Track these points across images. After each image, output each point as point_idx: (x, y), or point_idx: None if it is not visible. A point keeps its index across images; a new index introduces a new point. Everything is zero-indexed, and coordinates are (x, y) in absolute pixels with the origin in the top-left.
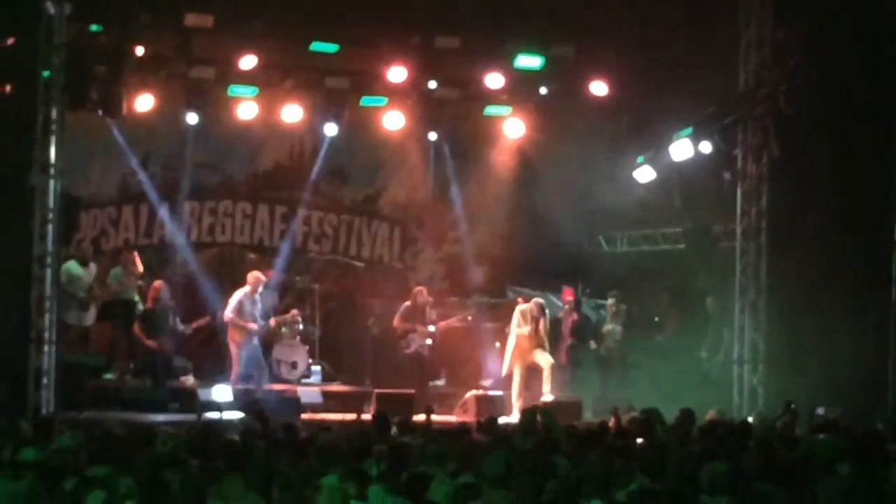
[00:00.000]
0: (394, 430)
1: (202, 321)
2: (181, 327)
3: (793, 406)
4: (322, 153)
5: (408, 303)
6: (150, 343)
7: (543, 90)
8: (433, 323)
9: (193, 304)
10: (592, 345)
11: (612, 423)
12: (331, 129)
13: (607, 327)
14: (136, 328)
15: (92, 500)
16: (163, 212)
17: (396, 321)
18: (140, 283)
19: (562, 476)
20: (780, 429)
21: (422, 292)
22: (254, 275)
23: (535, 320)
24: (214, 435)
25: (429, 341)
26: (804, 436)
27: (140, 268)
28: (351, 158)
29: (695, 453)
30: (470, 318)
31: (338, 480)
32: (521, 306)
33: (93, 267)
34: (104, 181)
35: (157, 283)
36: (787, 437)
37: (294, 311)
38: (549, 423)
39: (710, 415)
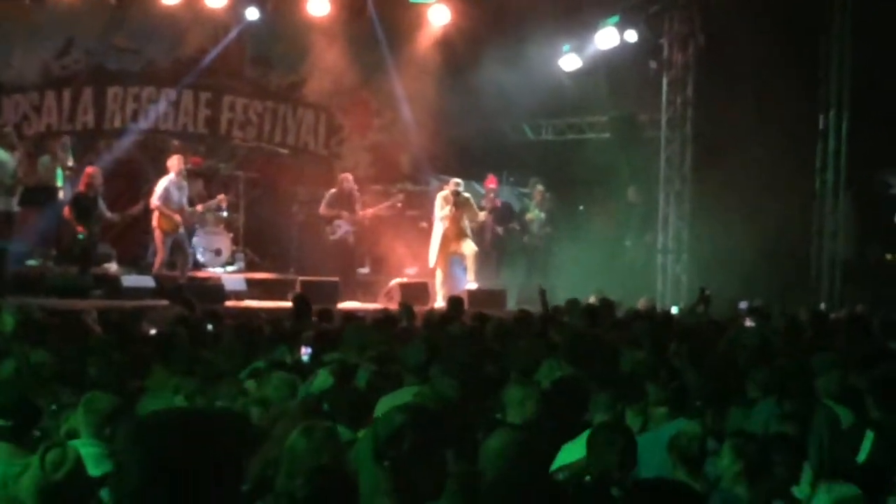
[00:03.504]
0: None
1: (135, 209)
2: (109, 214)
3: (707, 292)
4: (232, 35)
5: (333, 189)
6: (80, 228)
7: None
8: (361, 209)
9: (118, 191)
10: (516, 227)
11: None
12: (256, 16)
13: (530, 214)
14: (67, 212)
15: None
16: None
17: (322, 208)
18: (69, 166)
19: (487, 364)
20: (698, 316)
21: (347, 178)
22: (175, 159)
23: (455, 198)
24: (139, 322)
25: (352, 228)
26: (729, 326)
27: (70, 160)
28: (276, 45)
29: (621, 342)
30: (399, 203)
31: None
32: (442, 192)
33: (17, 153)
34: (26, 66)
35: (91, 168)
36: (708, 325)
37: (221, 196)
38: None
39: (642, 303)
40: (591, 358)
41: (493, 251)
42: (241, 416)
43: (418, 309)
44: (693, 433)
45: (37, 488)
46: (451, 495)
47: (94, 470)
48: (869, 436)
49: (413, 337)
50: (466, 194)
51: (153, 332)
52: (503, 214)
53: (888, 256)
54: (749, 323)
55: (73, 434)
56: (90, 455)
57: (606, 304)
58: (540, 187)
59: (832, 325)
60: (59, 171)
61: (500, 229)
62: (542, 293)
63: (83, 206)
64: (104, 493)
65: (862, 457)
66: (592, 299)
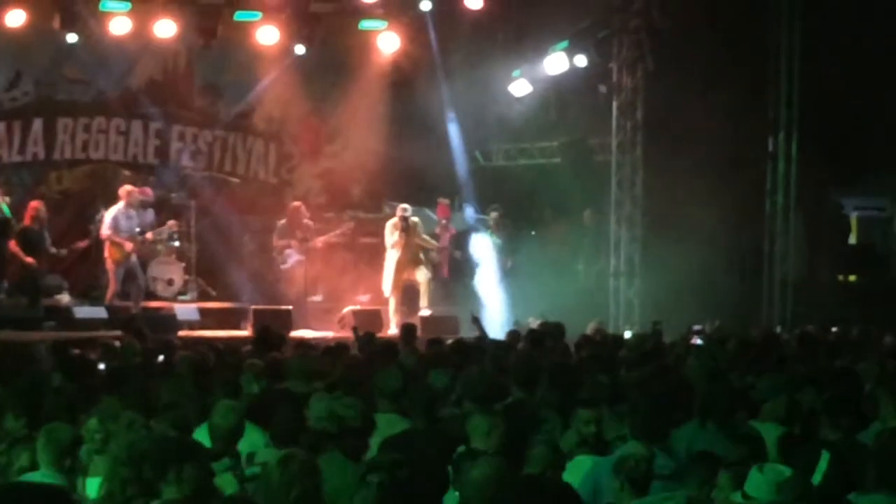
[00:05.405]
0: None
1: (81, 244)
2: (53, 249)
3: (658, 326)
4: (203, 72)
5: (283, 220)
6: (28, 260)
7: (425, 6)
8: (312, 237)
9: (67, 223)
10: (457, 255)
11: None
12: (207, 46)
13: (490, 240)
14: (14, 245)
15: None
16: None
17: (274, 240)
18: (7, 199)
19: (442, 390)
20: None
21: (298, 208)
22: (125, 189)
23: (403, 224)
24: (90, 354)
25: (303, 257)
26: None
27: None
28: (225, 74)
29: (571, 366)
30: (349, 230)
31: (235, 401)
32: (391, 220)
33: None
34: None
35: (36, 202)
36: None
37: (171, 222)
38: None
39: (591, 327)
40: (541, 382)
41: (450, 279)
42: (64, 493)
43: None
44: (640, 455)
45: None
46: None
47: None
48: (825, 456)
49: (363, 365)
50: (415, 219)
51: (101, 365)
52: (459, 241)
53: (840, 277)
54: (696, 341)
55: (26, 469)
56: None
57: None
58: (494, 214)
59: (784, 346)
60: (3, 205)
61: (457, 254)
62: (476, 320)
63: (30, 238)
64: None
65: (817, 478)
66: (535, 325)
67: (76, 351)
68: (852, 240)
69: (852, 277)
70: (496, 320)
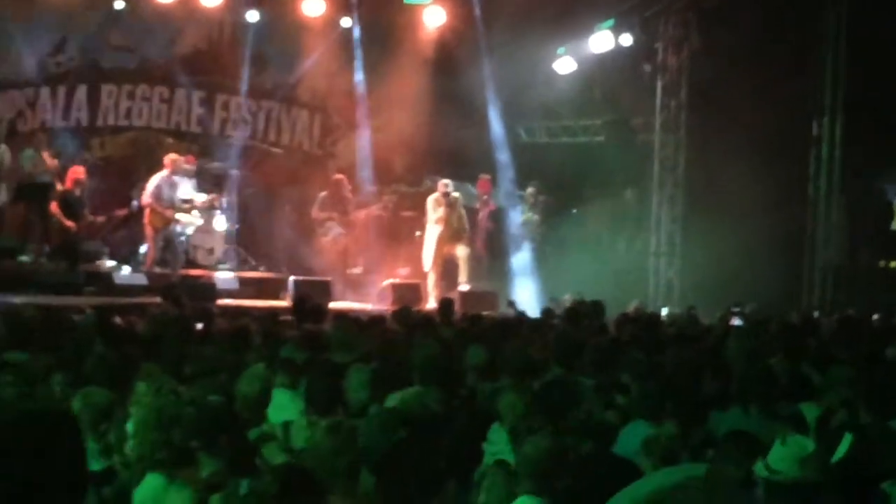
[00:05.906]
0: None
1: (120, 212)
2: (90, 217)
3: (692, 311)
4: (249, 42)
5: (324, 192)
6: (68, 223)
7: None
8: (353, 210)
9: (109, 189)
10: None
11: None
12: (252, 16)
13: (525, 216)
14: (55, 208)
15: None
16: None
17: (314, 211)
18: (55, 163)
19: (479, 365)
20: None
21: (341, 181)
22: (170, 157)
23: (445, 199)
24: (129, 320)
25: (344, 230)
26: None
27: (50, 151)
28: (271, 45)
29: (610, 344)
30: (390, 205)
31: (262, 368)
32: (433, 195)
33: (4, 147)
34: (22, 62)
35: (78, 167)
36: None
37: (213, 196)
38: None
39: (632, 307)
40: (581, 360)
41: (487, 253)
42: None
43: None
44: (671, 434)
45: None
46: None
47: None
48: (847, 437)
49: (400, 339)
50: (456, 194)
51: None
52: (497, 217)
53: (881, 263)
54: (736, 322)
55: None
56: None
57: (585, 307)
58: (531, 189)
59: (823, 330)
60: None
61: (493, 228)
62: (512, 304)
63: (70, 202)
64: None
65: (836, 457)
66: (570, 302)
67: (118, 318)
68: (895, 226)
69: (894, 263)
70: (531, 297)
